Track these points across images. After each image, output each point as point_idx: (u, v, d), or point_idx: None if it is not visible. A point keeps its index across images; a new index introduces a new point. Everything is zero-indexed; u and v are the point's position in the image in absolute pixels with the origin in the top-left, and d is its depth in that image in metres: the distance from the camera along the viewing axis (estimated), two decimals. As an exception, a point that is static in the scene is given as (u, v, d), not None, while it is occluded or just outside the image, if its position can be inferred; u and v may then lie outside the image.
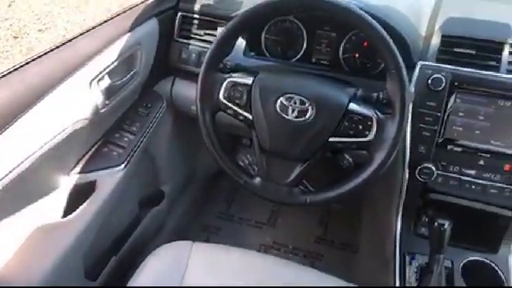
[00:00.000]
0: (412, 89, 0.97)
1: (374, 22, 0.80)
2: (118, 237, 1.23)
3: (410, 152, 0.99)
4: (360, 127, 0.84)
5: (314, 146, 0.87)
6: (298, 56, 1.16)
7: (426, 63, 0.97)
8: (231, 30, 0.89)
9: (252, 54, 1.17)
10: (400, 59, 0.80)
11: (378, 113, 0.85)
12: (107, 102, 1.04)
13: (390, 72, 0.81)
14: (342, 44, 1.12)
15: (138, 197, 1.34)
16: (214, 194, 1.84)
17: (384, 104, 0.85)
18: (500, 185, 0.96)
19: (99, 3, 3.52)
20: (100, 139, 1.13)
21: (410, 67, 0.98)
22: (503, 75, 0.94)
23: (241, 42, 1.15)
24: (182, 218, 1.61)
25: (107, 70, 1.02)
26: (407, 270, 1.04)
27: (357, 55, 1.11)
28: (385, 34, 0.80)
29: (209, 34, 1.20)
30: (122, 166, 1.11)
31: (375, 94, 0.87)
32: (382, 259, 1.18)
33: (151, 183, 1.43)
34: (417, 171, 0.98)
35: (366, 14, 0.80)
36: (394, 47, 0.80)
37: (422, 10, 1.09)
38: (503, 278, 1.01)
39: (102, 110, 1.03)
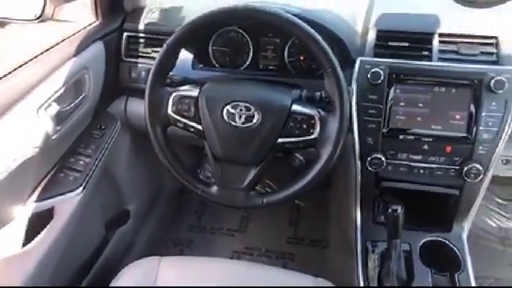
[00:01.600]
0: (354, 84, 1.01)
1: (303, 24, 0.84)
2: (86, 261, 1.22)
3: (359, 144, 1.03)
4: (304, 126, 0.87)
5: (263, 149, 0.90)
6: (246, 64, 1.20)
7: (365, 59, 1.02)
8: (171, 45, 0.91)
9: (201, 66, 1.20)
10: (333, 58, 0.84)
11: (321, 111, 0.88)
12: (58, 128, 1.04)
13: (326, 71, 0.85)
14: (287, 49, 1.16)
15: (102, 219, 1.33)
16: (183, 208, 1.85)
17: (326, 102, 0.89)
18: (445, 166, 1.01)
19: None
20: (55, 165, 1.12)
21: (350, 64, 1.03)
22: (435, 63, 1.00)
23: (188, 56, 1.17)
24: (152, 236, 1.61)
25: (54, 97, 1.01)
26: (369, 258, 1.08)
27: (302, 58, 1.15)
28: (315, 35, 0.84)
29: (156, 52, 1.21)
30: (80, 189, 1.10)
31: (318, 94, 0.91)
32: (348, 250, 1.22)
33: (115, 204, 1.42)
34: (367, 162, 1.02)
35: (296, 18, 0.84)
36: (327, 47, 0.84)
37: (357, 9, 1.14)
38: (458, 254, 1.06)
39: (54, 137, 1.03)
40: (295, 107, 0.89)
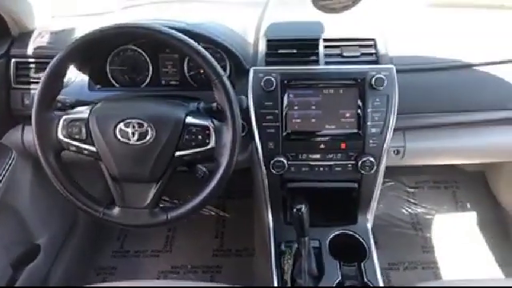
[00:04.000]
0: (250, 93, 1.05)
1: (185, 38, 0.85)
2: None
3: (262, 149, 1.07)
4: (200, 137, 0.89)
5: (161, 164, 0.89)
6: (147, 81, 1.19)
7: (257, 68, 1.06)
8: (54, 66, 0.88)
9: (98, 86, 1.17)
10: (219, 69, 0.87)
11: (215, 121, 0.90)
12: None
13: (214, 82, 0.87)
14: (186, 63, 1.17)
15: (7, 257, 1.24)
16: (104, 234, 1.78)
17: (221, 112, 0.91)
18: (342, 162, 1.08)
19: None
20: None
21: (245, 73, 1.07)
22: (322, 67, 1.06)
23: (84, 77, 1.14)
24: (70, 268, 1.52)
25: None
26: (284, 258, 1.10)
27: (201, 71, 1.17)
28: (199, 48, 0.86)
29: None
30: None
31: (215, 104, 0.93)
32: (267, 254, 1.24)
33: (22, 239, 1.33)
34: (271, 166, 1.06)
35: (176, 32, 0.86)
36: (211, 59, 0.86)
37: (248, 20, 1.19)
38: (364, 243, 1.12)
39: None
40: (189, 119, 0.90)
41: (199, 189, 0.90)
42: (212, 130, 0.89)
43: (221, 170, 0.88)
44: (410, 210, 1.89)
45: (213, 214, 1.89)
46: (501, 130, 1.19)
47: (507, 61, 1.10)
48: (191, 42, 0.86)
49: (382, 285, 1.03)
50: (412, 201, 1.92)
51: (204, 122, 0.89)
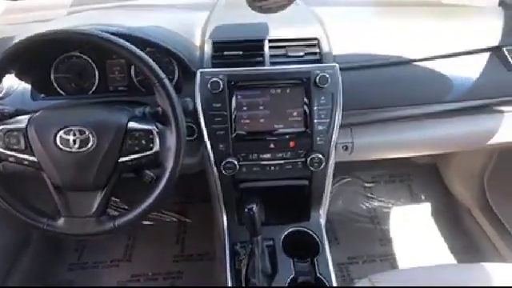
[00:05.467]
0: (197, 95, 1.05)
1: (124, 43, 0.85)
2: None
3: (212, 151, 1.07)
4: (143, 142, 0.88)
5: (105, 171, 0.88)
6: (94, 88, 1.17)
7: (204, 70, 1.06)
8: None
9: (42, 95, 1.13)
10: (159, 71, 0.86)
11: (159, 125, 0.90)
12: None
13: (155, 85, 0.87)
14: (133, 68, 1.16)
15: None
16: (60, 247, 1.72)
17: (165, 116, 0.91)
18: (291, 160, 1.09)
19: None
20: None
21: (192, 76, 1.06)
22: (268, 68, 1.07)
23: (27, 86, 1.10)
24: (24, 282, 1.47)
25: None
26: (239, 259, 1.11)
27: None
28: (137, 51, 0.85)
29: None
30: None
31: (160, 109, 0.92)
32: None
33: None
34: (222, 167, 1.06)
35: (116, 38, 0.85)
36: (151, 62, 0.86)
37: (195, 23, 1.18)
38: (317, 239, 1.14)
39: None
40: (132, 124, 0.89)
41: (145, 194, 0.90)
42: (156, 134, 0.88)
43: (166, 174, 0.88)
44: (367, 205, 1.94)
45: (174, 219, 1.87)
46: (442, 123, 1.24)
47: (443, 56, 1.15)
48: (130, 46, 0.85)
49: (333, 279, 1.05)
50: (369, 195, 1.97)
51: (147, 127, 0.89)
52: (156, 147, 0.88)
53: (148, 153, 0.88)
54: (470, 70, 1.17)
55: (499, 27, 1.21)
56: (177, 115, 0.87)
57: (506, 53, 1.17)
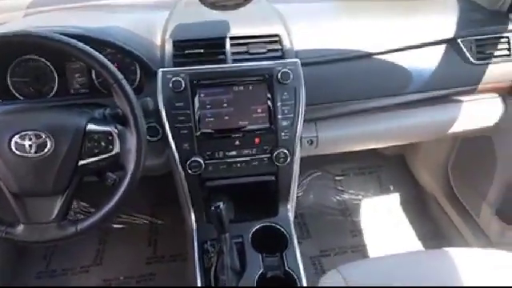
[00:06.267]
0: (160, 95, 1.03)
1: (78, 44, 0.83)
2: None
3: (177, 151, 1.06)
4: (103, 144, 0.87)
5: (65, 175, 0.86)
6: (54, 91, 1.14)
7: (165, 69, 1.05)
8: None
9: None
10: (115, 72, 0.85)
11: (119, 126, 0.88)
12: None
13: (113, 86, 0.85)
14: (94, 70, 1.13)
15: None
16: (27, 255, 1.67)
17: (125, 117, 0.89)
18: (257, 156, 1.09)
19: None
20: None
21: (153, 76, 1.05)
22: (230, 65, 1.07)
23: None
24: None
25: None
26: (209, 257, 1.11)
27: None
28: (92, 52, 0.83)
29: None
30: None
31: (119, 110, 0.91)
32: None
33: None
34: (187, 166, 1.05)
35: (70, 39, 0.83)
36: (108, 63, 0.84)
37: (155, 22, 1.17)
38: (286, 233, 1.15)
39: None
40: (90, 126, 0.87)
41: (107, 197, 0.88)
42: (115, 135, 0.87)
43: (128, 176, 0.87)
44: (338, 198, 1.97)
45: (145, 221, 1.84)
46: (405, 114, 1.27)
47: (402, 48, 1.18)
48: (86, 47, 0.83)
49: (302, 271, 1.06)
50: (340, 188, 2.00)
51: (106, 128, 0.87)
52: (116, 149, 0.87)
53: (108, 155, 0.87)
54: (429, 61, 1.20)
55: (454, 19, 1.25)
56: (136, 115, 0.86)
57: (462, 45, 1.21)
